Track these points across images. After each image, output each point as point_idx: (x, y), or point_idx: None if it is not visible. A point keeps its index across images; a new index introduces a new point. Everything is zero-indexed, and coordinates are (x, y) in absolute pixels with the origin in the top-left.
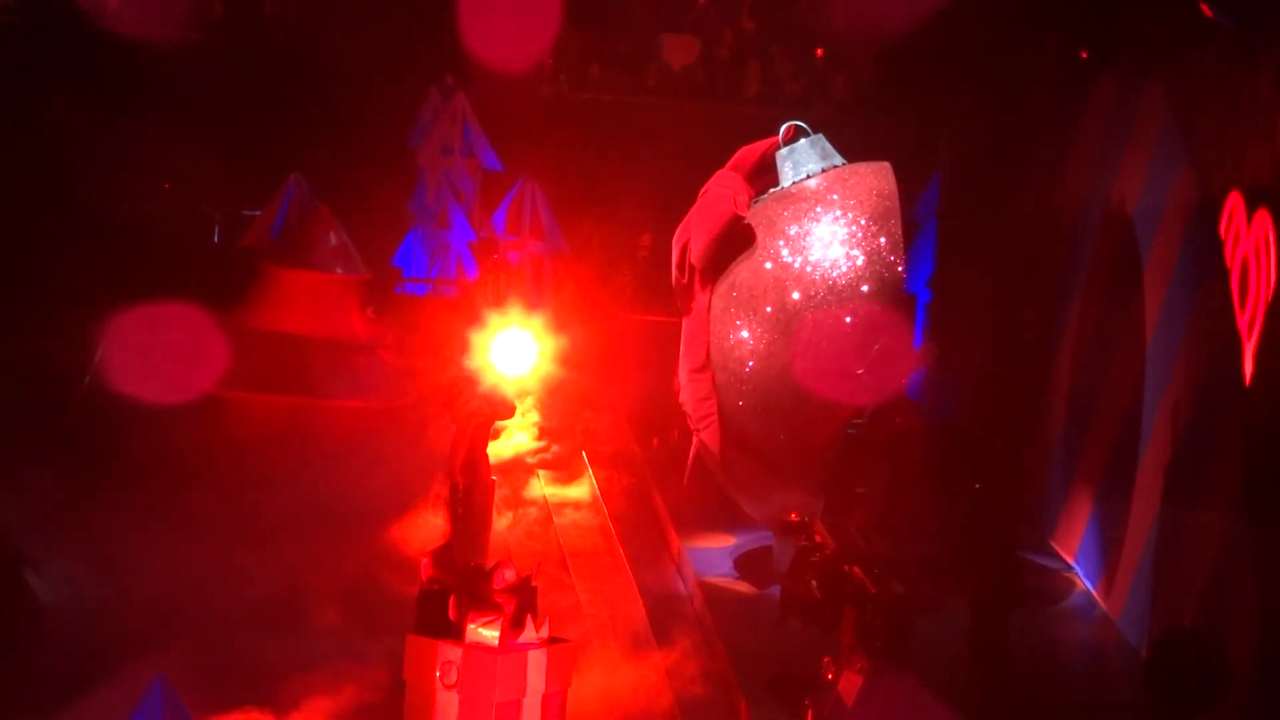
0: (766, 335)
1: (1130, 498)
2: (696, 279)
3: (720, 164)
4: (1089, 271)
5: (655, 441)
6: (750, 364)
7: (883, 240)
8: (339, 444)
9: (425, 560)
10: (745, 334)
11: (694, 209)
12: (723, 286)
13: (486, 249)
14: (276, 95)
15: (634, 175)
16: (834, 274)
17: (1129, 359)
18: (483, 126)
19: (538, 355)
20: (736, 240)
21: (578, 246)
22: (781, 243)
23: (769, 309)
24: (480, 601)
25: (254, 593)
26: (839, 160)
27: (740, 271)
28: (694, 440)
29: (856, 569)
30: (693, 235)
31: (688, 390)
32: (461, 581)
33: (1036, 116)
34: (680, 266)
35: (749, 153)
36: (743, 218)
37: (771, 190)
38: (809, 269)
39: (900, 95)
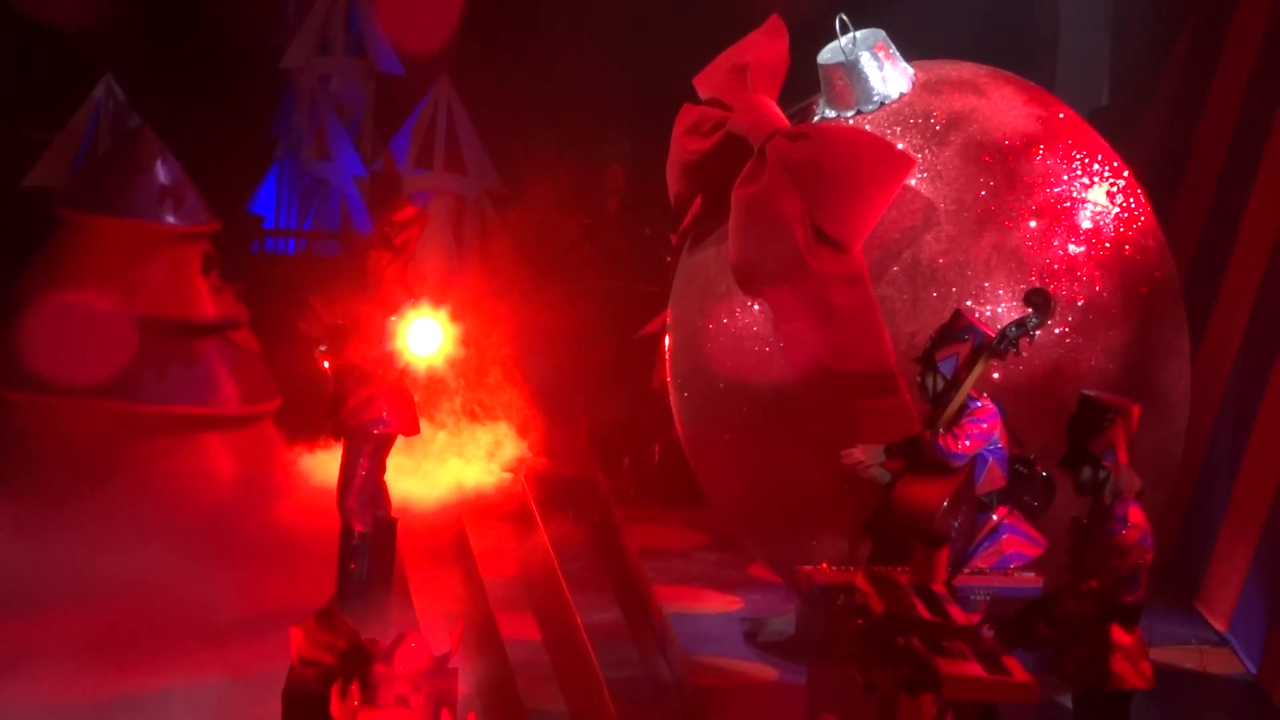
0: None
1: None
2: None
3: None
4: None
5: (627, 461)
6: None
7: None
8: (173, 470)
9: (296, 633)
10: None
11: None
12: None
13: (384, 188)
14: None
15: (592, 77)
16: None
17: None
18: (378, 15)
19: (449, 336)
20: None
21: (515, 183)
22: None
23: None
24: (375, 691)
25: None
26: (908, 68)
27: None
28: (848, 483)
29: (915, 641)
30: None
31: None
32: (348, 662)
33: None
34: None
35: (756, 57)
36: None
37: (827, 115)
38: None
39: None
